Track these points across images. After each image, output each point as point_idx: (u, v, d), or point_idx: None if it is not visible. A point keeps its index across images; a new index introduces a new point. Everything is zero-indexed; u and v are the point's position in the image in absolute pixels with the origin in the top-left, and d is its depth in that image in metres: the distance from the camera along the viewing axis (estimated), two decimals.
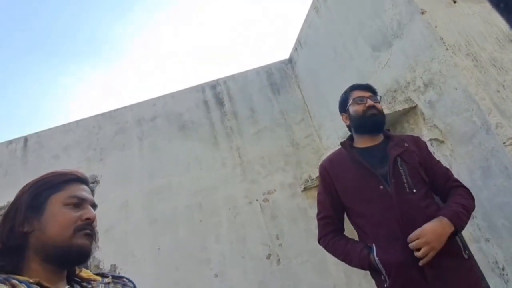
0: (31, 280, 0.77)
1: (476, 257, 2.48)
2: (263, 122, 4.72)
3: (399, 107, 2.85)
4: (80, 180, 0.97)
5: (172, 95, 4.95)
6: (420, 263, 1.35)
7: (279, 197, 4.25)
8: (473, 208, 1.53)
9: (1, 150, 4.55)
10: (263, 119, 4.74)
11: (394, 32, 2.92)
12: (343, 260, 1.59)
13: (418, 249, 1.35)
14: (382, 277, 1.45)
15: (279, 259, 3.94)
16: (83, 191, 0.95)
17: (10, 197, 3.99)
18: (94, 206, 0.96)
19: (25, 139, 4.64)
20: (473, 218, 2.46)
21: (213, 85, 5.01)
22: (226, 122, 4.73)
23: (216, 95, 4.94)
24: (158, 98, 4.93)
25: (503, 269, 2.31)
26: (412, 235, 1.38)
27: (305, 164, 4.41)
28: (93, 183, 4.18)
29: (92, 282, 0.93)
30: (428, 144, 2.65)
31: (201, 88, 4.99)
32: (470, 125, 2.33)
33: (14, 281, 0.74)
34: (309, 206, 4.12)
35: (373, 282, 1.59)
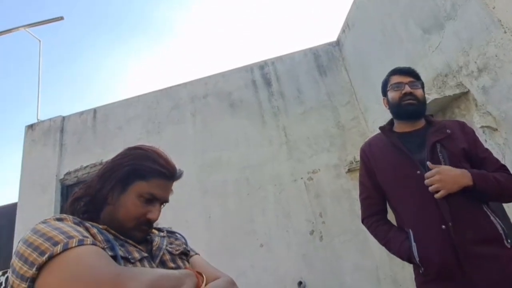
0: (100, 226, 0.90)
1: None
2: (309, 103, 4.82)
3: (450, 92, 2.79)
4: (168, 176, 0.99)
5: (222, 75, 5.17)
6: (436, 196, 1.38)
7: (324, 176, 4.37)
8: (510, 189, 1.43)
9: (75, 120, 5.11)
10: (309, 100, 4.84)
11: (447, 14, 2.81)
12: (383, 245, 1.62)
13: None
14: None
15: (322, 236, 4.10)
16: (162, 190, 0.98)
17: (83, 161, 4.59)
18: (165, 202, 1.01)
19: (94, 111, 5.16)
20: None
21: (261, 66, 5.16)
22: (273, 101, 4.88)
23: (264, 75, 5.09)
24: (210, 77, 5.18)
25: None
26: (429, 172, 1.42)
27: (350, 146, 4.47)
28: None
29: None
30: (480, 131, 2.57)
31: (249, 68, 5.16)
32: None
33: (87, 224, 0.87)
34: (353, 188, 4.19)
35: None
